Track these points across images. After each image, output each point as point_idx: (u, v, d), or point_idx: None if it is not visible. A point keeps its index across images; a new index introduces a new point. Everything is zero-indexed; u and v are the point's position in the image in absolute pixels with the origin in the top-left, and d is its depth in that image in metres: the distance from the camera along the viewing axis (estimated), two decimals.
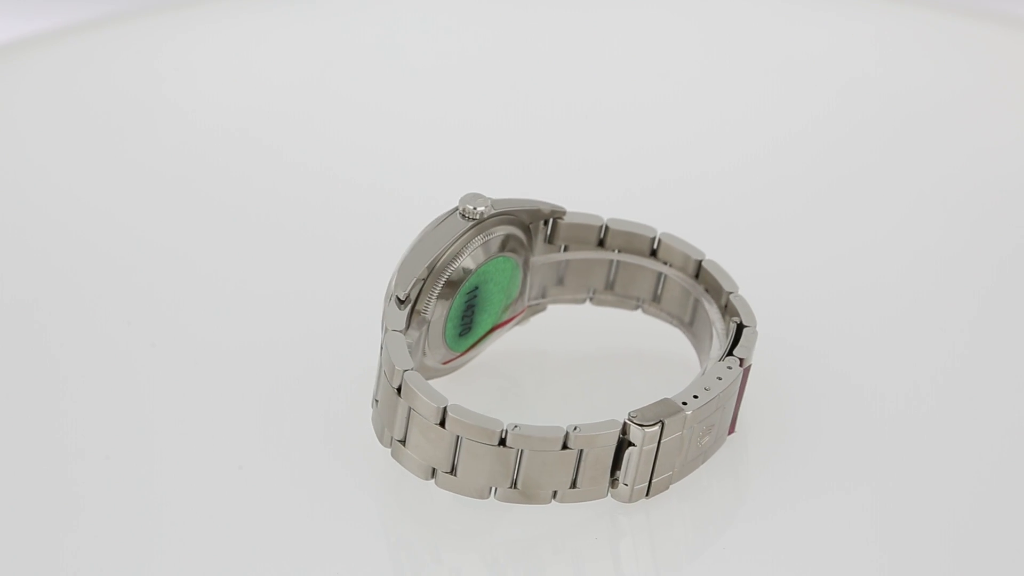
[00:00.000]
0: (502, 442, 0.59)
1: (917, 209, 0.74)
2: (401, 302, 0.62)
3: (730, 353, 0.62)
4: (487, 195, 0.63)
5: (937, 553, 0.59)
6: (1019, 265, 0.71)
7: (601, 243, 0.66)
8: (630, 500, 0.60)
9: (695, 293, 0.65)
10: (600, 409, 0.64)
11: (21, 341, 0.66)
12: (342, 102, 0.80)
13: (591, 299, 0.67)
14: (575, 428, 0.59)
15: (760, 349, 0.62)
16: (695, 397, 0.60)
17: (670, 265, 0.66)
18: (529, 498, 0.60)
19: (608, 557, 0.61)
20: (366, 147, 0.77)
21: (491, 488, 0.60)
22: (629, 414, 0.59)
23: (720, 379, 0.60)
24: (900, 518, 0.60)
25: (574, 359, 0.68)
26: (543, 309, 0.68)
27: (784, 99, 0.81)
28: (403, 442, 0.60)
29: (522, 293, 0.66)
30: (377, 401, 0.61)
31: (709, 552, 0.61)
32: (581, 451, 0.59)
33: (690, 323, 0.66)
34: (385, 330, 0.61)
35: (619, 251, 0.66)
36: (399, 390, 0.60)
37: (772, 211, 0.74)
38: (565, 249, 0.66)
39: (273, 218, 0.73)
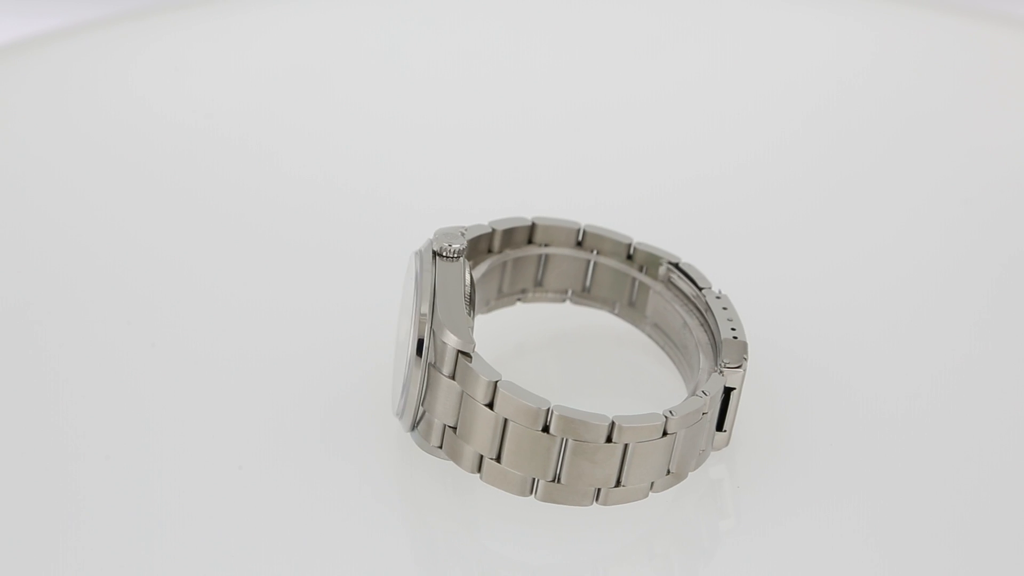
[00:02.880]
0: (664, 432, 0.59)
1: (916, 214, 0.74)
2: (469, 356, 0.58)
3: (698, 288, 0.65)
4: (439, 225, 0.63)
5: (934, 559, 0.60)
6: (1019, 271, 0.72)
7: (489, 250, 0.65)
8: (727, 445, 0.63)
9: (587, 257, 0.67)
10: None
11: (20, 342, 0.65)
12: (340, 107, 0.79)
13: (487, 307, 0.67)
14: (703, 393, 0.60)
15: (757, 354, 0.62)
16: (732, 330, 0.63)
17: (549, 245, 0.66)
18: (680, 478, 0.61)
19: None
20: (362, 152, 0.77)
21: (651, 483, 0.60)
22: (721, 361, 0.61)
23: (726, 308, 0.64)
24: (897, 525, 0.61)
25: None
26: None
27: (782, 103, 0.80)
28: (557, 479, 0.58)
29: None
30: (498, 458, 0.58)
31: (709, 557, 0.62)
32: (706, 414, 0.61)
33: (584, 291, 0.67)
34: (490, 384, 0.58)
35: (503, 250, 0.66)
36: (547, 428, 0.57)
37: (768, 217, 0.74)
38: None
39: (271, 221, 0.72)
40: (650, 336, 0.66)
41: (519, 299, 0.67)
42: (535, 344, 0.67)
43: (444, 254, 0.60)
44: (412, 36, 0.82)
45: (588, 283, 0.67)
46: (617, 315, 0.67)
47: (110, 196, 0.73)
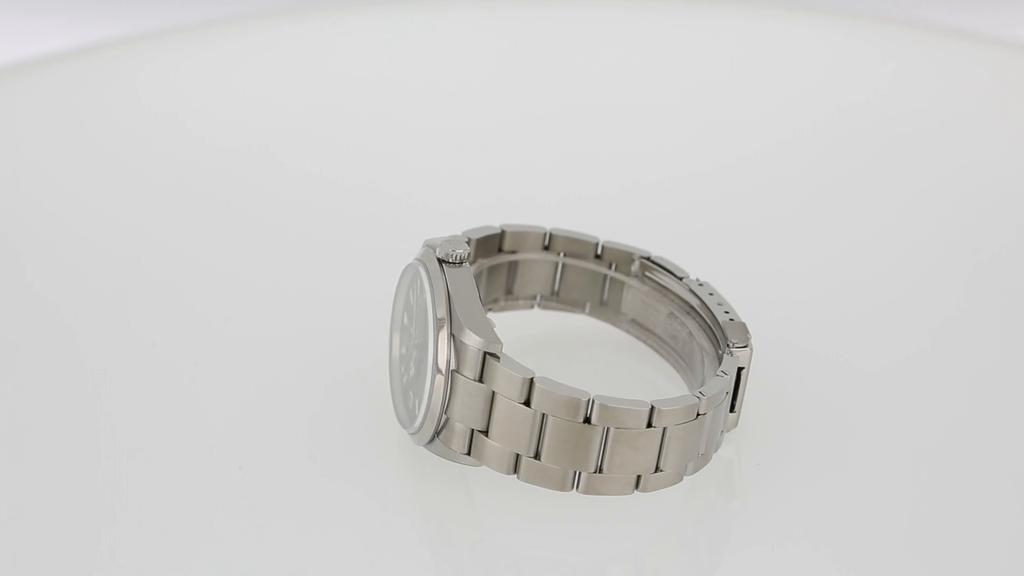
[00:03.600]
0: (698, 414, 0.58)
1: (909, 213, 0.75)
2: (497, 356, 0.57)
3: (678, 278, 0.64)
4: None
5: (938, 545, 0.60)
6: (999, 262, 0.73)
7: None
8: (736, 426, 0.62)
9: (555, 260, 0.66)
10: None
11: (20, 342, 0.65)
12: (338, 108, 0.81)
13: None
14: (723, 372, 0.60)
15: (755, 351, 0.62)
16: (726, 313, 0.63)
17: (517, 252, 0.65)
18: (707, 460, 0.60)
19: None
20: (360, 151, 0.78)
21: (687, 467, 0.59)
22: (730, 342, 0.61)
23: (712, 294, 0.64)
24: (910, 494, 0.61)
25: None
26: None
27: (779, 108, 0.81)
28: (600, 471, 0.57)
29: None
30: (537, 455, 0.57)
31: (715, 553, 0.61)
32: (728, 393, 0.60)
33: (553, 294, 0.66)
34: (525, 382, 0.56)
35: (477, 260, 0.64)
36: (589, 419, 0.56)
37: (764, 214, 0.75)
38: None
39: (272, 220, 0.73)
40: (628, 332, 0.66)
41: (490, 309, 0.65)
42: (510, 352, 0.65)
43: (450, 260, 0.59)
44: (409, 41, 0.84)
45: (557, 286, 0.66)
46: (589, 315, 0.66)
47: (110, 195, 0.74)
